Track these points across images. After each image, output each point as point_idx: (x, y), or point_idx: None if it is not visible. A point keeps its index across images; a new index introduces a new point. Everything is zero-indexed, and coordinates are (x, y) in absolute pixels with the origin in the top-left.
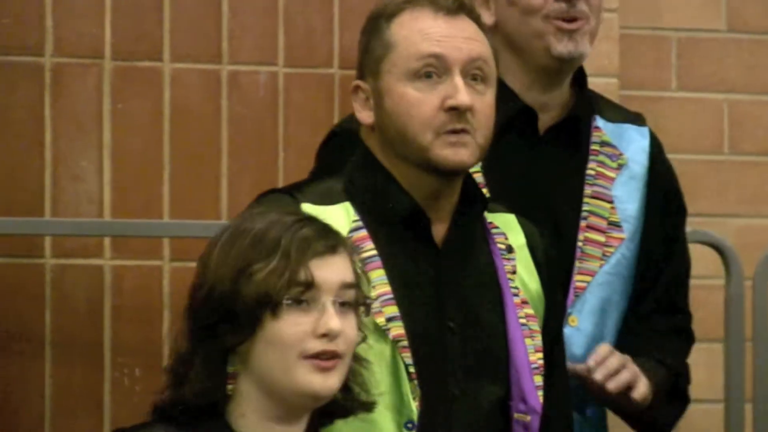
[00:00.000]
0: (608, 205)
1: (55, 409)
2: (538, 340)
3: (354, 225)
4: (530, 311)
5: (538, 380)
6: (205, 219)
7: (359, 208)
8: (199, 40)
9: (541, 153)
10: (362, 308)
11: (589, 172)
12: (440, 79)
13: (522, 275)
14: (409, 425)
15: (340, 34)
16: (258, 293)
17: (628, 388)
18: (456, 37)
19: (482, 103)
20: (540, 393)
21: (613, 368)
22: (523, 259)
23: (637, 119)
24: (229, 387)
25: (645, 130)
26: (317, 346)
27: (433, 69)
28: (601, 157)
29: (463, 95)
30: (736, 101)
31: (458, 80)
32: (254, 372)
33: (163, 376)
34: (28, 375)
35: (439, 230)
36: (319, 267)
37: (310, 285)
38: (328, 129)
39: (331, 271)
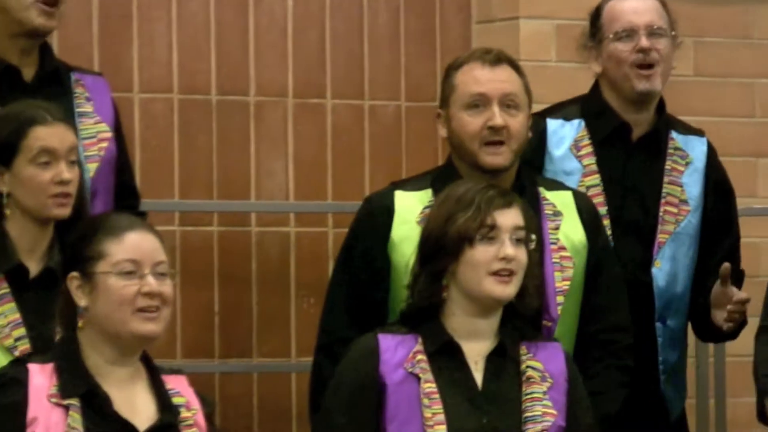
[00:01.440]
0: (679, 189)
1: (259, 327)
2: (568, 272)
3: (429, 204)
4: (566, 254)
5: (560, 299)
6: (355, 201)
7: (436, 194)
8: (349, 82)
9: (634, 155)
10: (531, 242)
11: (666, 167)
12: (484, 108)
13: (566, 230)
14: None
15: (442, 77)
16: (460, 233)
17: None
18: (495, 80)
19: (515, 122)
20: (560, 308)
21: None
22: (570, 220)
23: (699, 132)
24: (444, 294)
25: (704, 140)
26: (498, 265)
27: (479, 102)
28: (674, 158)
29: (497, 119)
30: None
31: (496, 109)
32: (459, 284)
33: (321, 305)
34: (241, 303)
35: None
36: (499, 215)
37: (493, 226)
38: (434, 146)
39: (507, 218)
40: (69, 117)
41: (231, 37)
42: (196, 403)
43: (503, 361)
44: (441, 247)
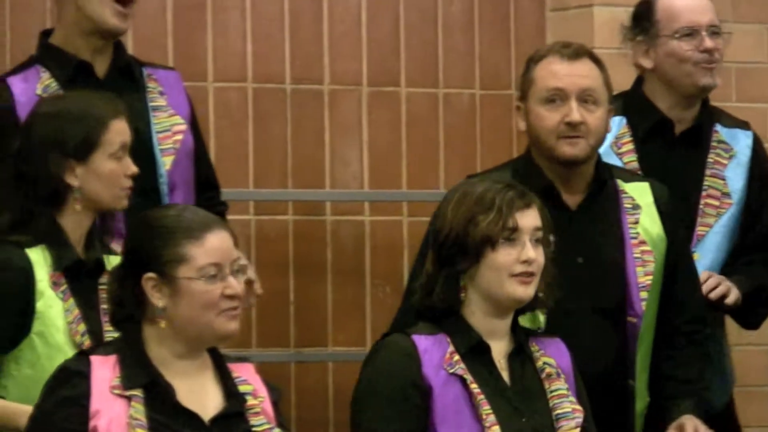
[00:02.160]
0: (721, 182)
1: (334, 316)
2: (650, 267)
3: None
4: (647, 248)
5: (644, 294)
6: (430, 189)
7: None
8: (423, 70)
9: (677, 148)
10: (548, 243)
11: (709, 160)
12: (562, 103)
13: (645, 224)
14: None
15: (516, 66)
16: (482, 235)
17: (723, 296)
18: (573, 75)
19: (593, 117)
20: (644, 303)
21: (711, 285)
22: (649, 213)
23: (745, 125)
24: (462, 295)
25: (750, 133)
26: (520, 268)
27: (556, 96)
28: (717, 151)
29: (574, 114)
30: None
31: (573, 104)
32: (479, 286)
33: (400, 291)
34: (316, 292)
35: (575, 199)
36: (520, 217)
37: (515, 229)
38: (509, 134)
39: (528, 219)
40: (143, 111)
41: (305, 26)
42: (263, 391)
43: (522, 360)
44: (461, 250)
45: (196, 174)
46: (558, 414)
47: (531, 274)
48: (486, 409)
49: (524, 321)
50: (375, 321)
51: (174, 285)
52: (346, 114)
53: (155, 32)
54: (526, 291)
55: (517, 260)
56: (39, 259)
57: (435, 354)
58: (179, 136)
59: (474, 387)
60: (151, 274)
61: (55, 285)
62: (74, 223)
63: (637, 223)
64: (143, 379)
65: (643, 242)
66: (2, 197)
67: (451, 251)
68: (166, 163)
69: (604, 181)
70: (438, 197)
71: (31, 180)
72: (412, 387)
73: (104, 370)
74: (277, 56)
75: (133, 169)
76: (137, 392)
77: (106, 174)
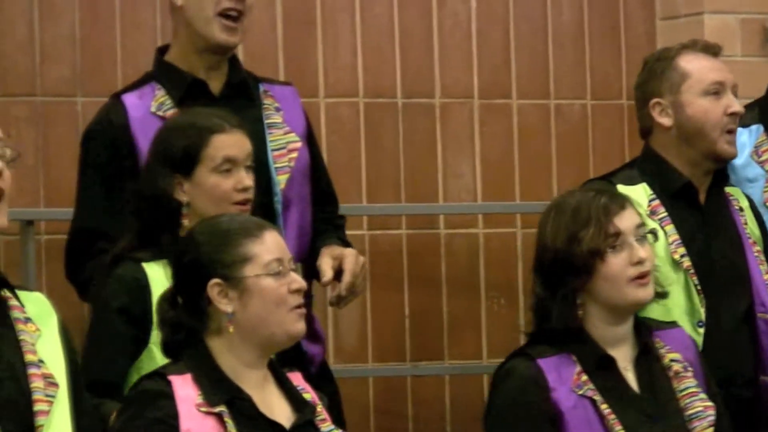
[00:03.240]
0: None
1: (449, 329)
2: (765, 266)
3: (651, 197)
4: (758, 247)
5: None
6: (543, 200)
7: (651, 186)
8: (534, 82)
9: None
10: (650, 236)
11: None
12: (721, 95)
13: (750, 225)
14: (700, 324)
15: (627, 75)
16: (589, 250)
17: None
18: (724, 70)
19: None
20: None
21: None
22: (749, 216)
23: None
24: (580, 312)
25: None
26: (634, 270)
27: (718, 89)
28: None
29: (737, 106)
30: None
31: (732, 96)
32: (597, 298)
33: (515, 303)
34: (431, 306)
35: (702, 199)
36: (619, 220)
37: (618, 234)
38: (621, 143)
39: (627, 220)
40: (259, 128)
41: (415, 40)
42: (317, 398)
43: (648, 361)
44: (570, 268)
45: (313, 189)
46: (690, 414)
47: (646, 274)
48: (618, 429)
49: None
50: (490, 333)
51: (241, 286)
52: (458, 127)
53: (266, 48)
54: (646, 292)
55: (630, 263)
56: (157, 273)
57: (562, 376)
58: (294, 154)
59: (605, 408)
60: (216, 280)
61: None
62: None
63: (746, 224)
64: (225, 394)
65: (755, 242)
66: (126, 215)
67: (560, 272)
68: (281, 181)
69: (724, 181)
70: None
71: (146, 197)
72: (542, 415)
73: (186, 389)
74: (388, 70)
75: (246, 182)
76: (223, 408)
77: (209, 188)
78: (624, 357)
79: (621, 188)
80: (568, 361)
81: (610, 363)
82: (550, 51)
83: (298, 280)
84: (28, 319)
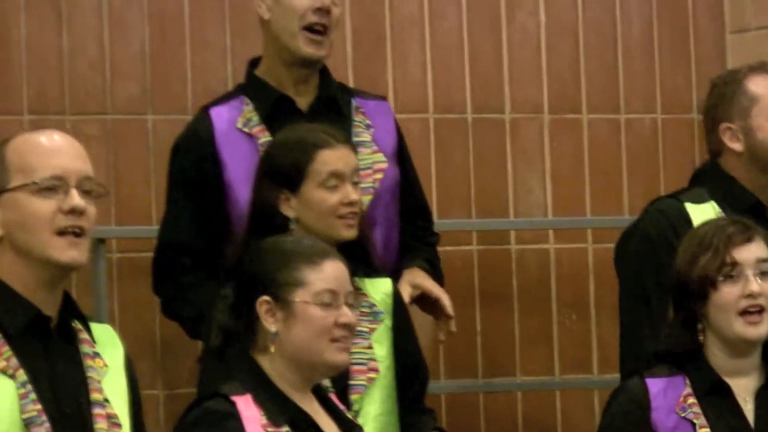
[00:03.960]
0: None
1: (521, 345)
2: None
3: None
4: None
5: None
6: (614, 215)
7: (720, 204)
8: (604, 96)
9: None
10: None
11: None
12: None
13: None
14: None
15: (697, 89)
16: (700, 275)
17: None
18: None
19: None
20: None
21: None
22: None
23: None
24: (701, 337)
25: None
26: (745, 303)
27: None
28: None
29: None
30: None
31: None
32: (712, 326)
33: (587, 319)
34: (502, 321)
35: None
36: (739, 252)
37: (734, 264)
38: (691, 158)
39: (749, 253)
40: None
41: (484, 55)
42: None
43: None
44: (687, 291)
45: (404, 205)
46: None
47: (761, 310)
48: None
49: None
50: (562, 349)
51: (289, 309)
52: (528, 142)
53: (336, 63)
54: (756, 331)
55: (741, 296)
56: None
57: (668, 397)
58: (379, 175)
59: (704, 431)
60: (266, 298)
61: None
62: None
63: None
64: (288, 414)
65: None
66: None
67: (680, 294)
68: (364, 202)
69: None
70: (622, 223)
71: (254, 212)
72: None
73: (250, 410)
74: (458, 86)
75: (352, 197)
76: (287, 428)
77: (316, 204)
78: (745, 388)
79: (689, 206)
80: (680, 383)
81: (725, 391)
82: (619, 64)
83: (347, 315)
84: (96, 354)
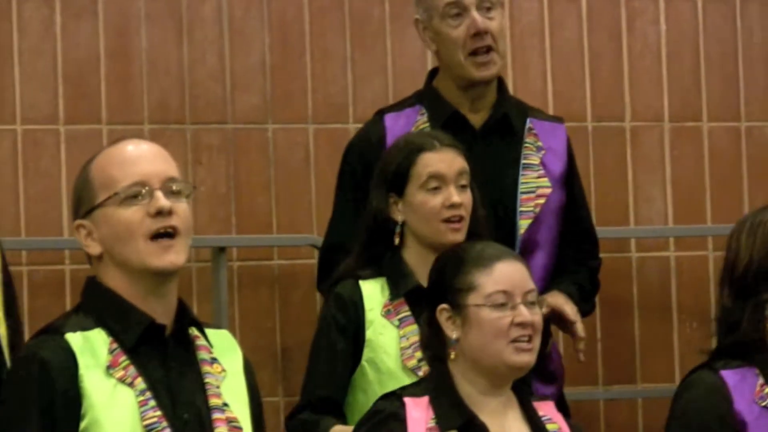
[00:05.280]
0: None
1: (642, 353)
2: None
3: None
4: None
5: None
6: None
7: None
8: (725, 104)
9: None
10: None
11: None
12: None
13: None
14: None
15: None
16: None
17: None
18: None
19: None
20: None
21: None
22: None
23: None
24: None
25: None
26: None
27: None
28: None
29: None
30: None
31: None
32: None
33: (708, 326)
34: (623, 329)
35: None
36: None
37: None
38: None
39: None
40: (514, 168)
41: (605, 64)
42: (566, 429)
43: None
44: (764, 278)
45: (568, 228)
46: None
47: None
48: None
49: None
50: (683, 356)
51: (464, 314)
52: (649, 150)
53: None
54: None
55: None
56: (373, 289)
57: (745, 389)
58: (541, 200)
59: None
60: (444, 305)
61: (389, 313)
62: (417, 256)
63: None
64: (458, 419)
65: None
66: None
67: (752, 281)
68: (522, 226)
69: None
70: None
71: (368, 216)
72: (727, 425)
73: (419, 412)
74: (578, 95)
75: (454, 199)
76: None
77: (418, 206)
78: None
79: None
80: (752, 374)
81: None
82: (740, 73)
83: (523, 314)
84: (214, 360)
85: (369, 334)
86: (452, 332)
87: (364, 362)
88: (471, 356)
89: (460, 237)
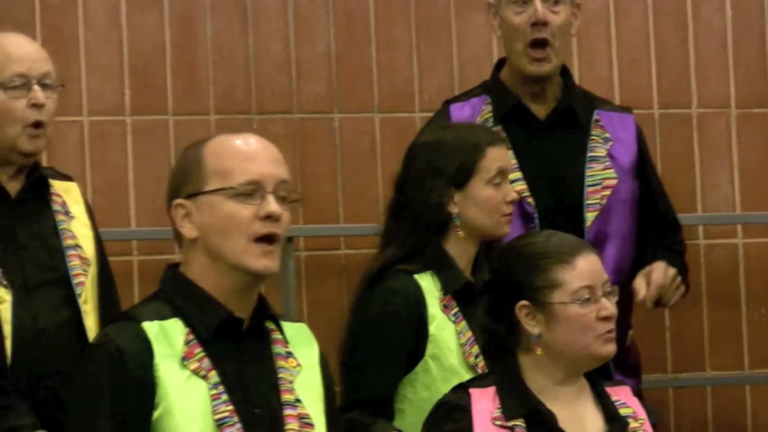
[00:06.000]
0: None
1: (710, 340)
2: None
3: None
4: None
5: None
6: None
7: None
8: (747, 90)
9: None
10: None
11: None
12: None
13: None
14: None
15: None
16: None
17: None
18: None
19: None
20: None
21: None
22: None
23: None
24: None
25: None
26: None
27: None
28: None
29: None
30: None
31: None
32: None
33: None
34: (691, 316)
35: None
36: None
37: None
38: None
39: None
40: (580, 160)
41: (670, 51)
42: (642, 413)
43: None
44: None
45: (648, 218)
46: None
47: None
48: None
49: None
50: (752, 343)
51: (548, 311)
52: (715, 137)
53: None
54: None
55: None
56: (428, 284)
57: None
58: (607, 192)
59: None
60: (524, 302)
61: (445, 308)
62: (460, 249)
63: None
64: (524, 408)
65: None
66: (390, 228)
67: None
68: (588, 219)
69: None
70: None
71: (414, 210)
72: None
73: (484, 402)
74: (644, 82)
75: (513, 195)
76: (519, 422)
77: (483, 200)
78: None
79: None
80: None
81: None
82: None
83: (607, 308)
84: (289, 354)
85: (432, 329)
86: (534, 328)
87: (427, 358)
88: (555, 350)
89: (509, 229)
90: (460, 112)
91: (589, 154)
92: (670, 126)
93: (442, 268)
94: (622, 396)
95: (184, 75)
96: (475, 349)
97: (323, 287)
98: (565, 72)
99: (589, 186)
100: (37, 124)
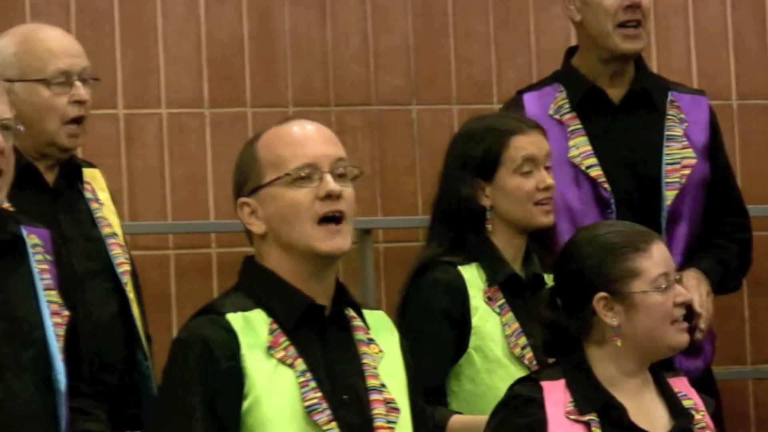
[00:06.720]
0: None
1: (751, 334)
2: None
3: None
4: None
5: None
6: None
7: None
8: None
9: None
10: None
11: None
12: None
13: None
14: None
15: None
16: None
17: None
18: None
19: None
20: None
21: None
22: None
23: None
24: None
25: None
26: None
27: None
28: None
29: None
30: None
31: None
32: None
33: None
34: (730, 309)
35: None
36: None
37: None
38: None
39: None
40: (657, 140)
41: (749, 41)
42: (701, 405)
43: None
44: None
45: (713, 201)
46: None
47: None
48: None
49: None
50: None
51: (628, 301)
52: None
53: None
54: None
55: None
56: (472, 276)
57: None
58: (687, 171)
59: None
60: (602, 294)
61: (490, 300)
62: (504, 240)
63: None
64: (597, 402)
65: None
66: (433, 223)
67: None
68: (668, 197)
69: None
70: None
71: (450, 203)
72: None
73: (557, 395)
74: (722, 72)
75: (548, 181)
76: (593, 416)
77: (511, 191)
78: None
79: None
80: None
81: None
82: None
83: (683, 294)
84: (371, 340)
85: (475, 321)
86: (613, 320)
87: (471, 350)
88: (635, 340)
89: (551, 218)
90: (533, 102)
91: (667, 133)
92: (749, 116)
93: (488, 260)
94: (682, 387)
95: (263, 67)
96: (522, 341)
97: (402, 279)
98: (637, 57)
99: (668, 164)
100: (78, 120)
